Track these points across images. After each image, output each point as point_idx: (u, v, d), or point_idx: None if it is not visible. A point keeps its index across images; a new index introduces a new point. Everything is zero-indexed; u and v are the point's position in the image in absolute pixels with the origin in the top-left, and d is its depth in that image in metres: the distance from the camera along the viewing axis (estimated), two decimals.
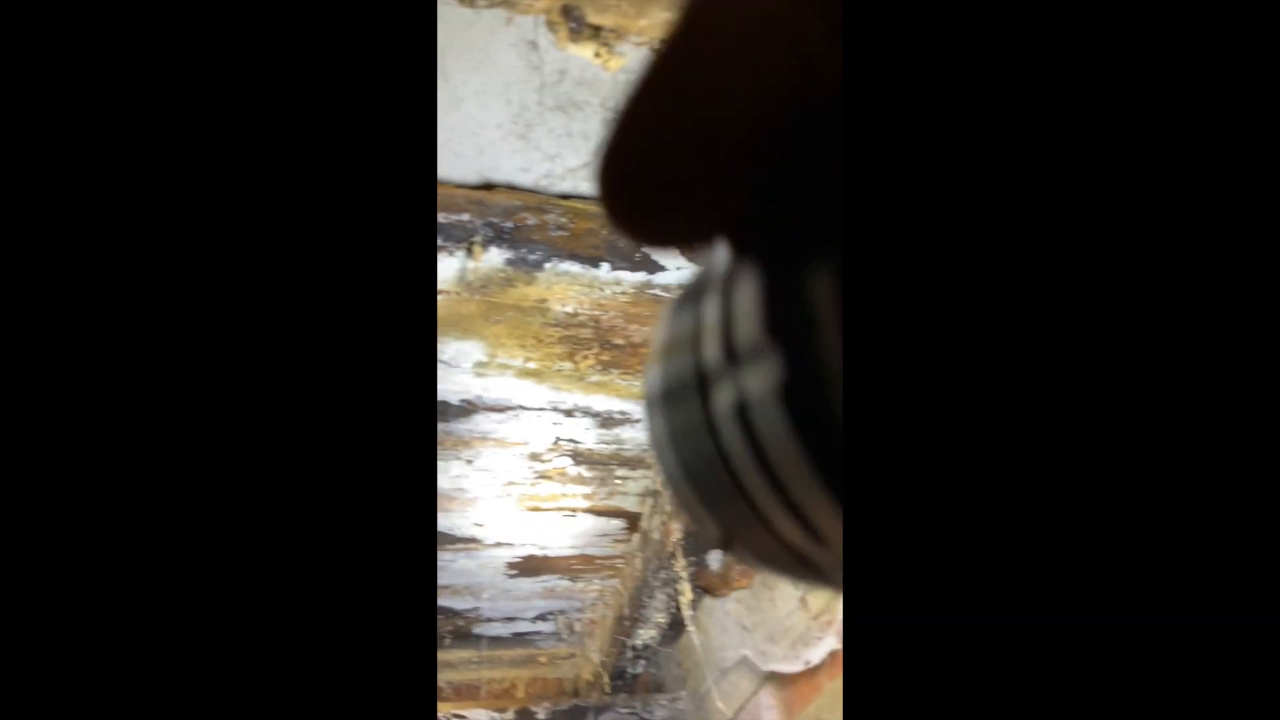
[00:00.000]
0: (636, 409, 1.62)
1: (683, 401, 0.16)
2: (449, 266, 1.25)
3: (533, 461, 1.74)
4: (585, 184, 1.24)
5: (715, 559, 2.05)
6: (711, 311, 0.15)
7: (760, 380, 0.13)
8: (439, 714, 2.34)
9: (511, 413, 1.58)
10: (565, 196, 1.22)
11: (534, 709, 2.41)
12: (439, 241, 1.21)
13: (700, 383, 0.15)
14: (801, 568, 0.15)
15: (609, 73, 1.12)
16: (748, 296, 0.13)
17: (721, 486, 0.15)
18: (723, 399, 0.14)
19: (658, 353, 0.19)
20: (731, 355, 0.14)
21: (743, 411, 0.13)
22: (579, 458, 1.75)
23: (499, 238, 1.21)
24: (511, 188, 1.21)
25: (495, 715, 2.36)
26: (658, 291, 1.36)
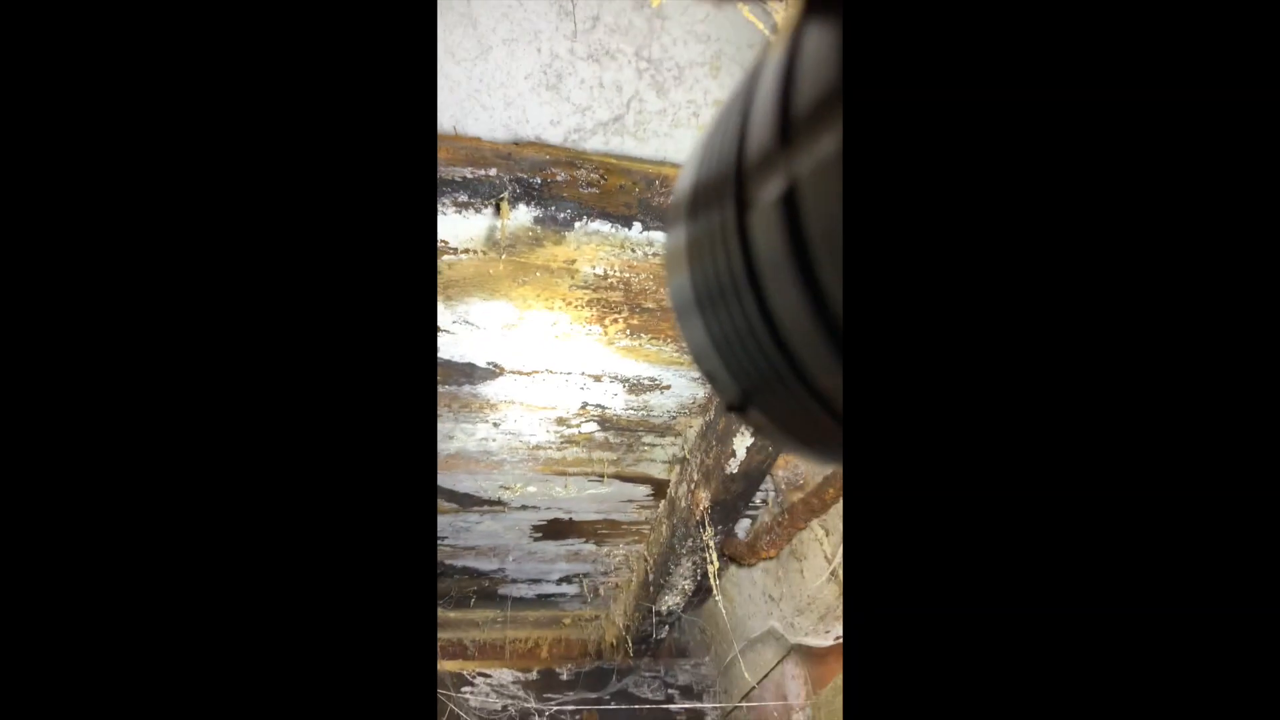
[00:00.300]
0: (666, 375, 1.58)
1: (710, 243, 0.15)
2: (476, 225, 1.20)
3: (559, 426, 1.71)
4: (618, 138, 1.18)
5: (743, 529, 2.03)
6: (768, 85, 0.13)
7: (819, 149, 0.12)
8: (465, 673, 2.37)
9: (539, 376, 1.55)
10: (596, 152, 1.17)
11: (557, 669, 2.43)
12: (465, 199, 1.16)
13: (737, 193, 0.14)
14: (821, 424, 0.14)
15: (653, 4, 1.05)
16: (823, 44, 0.12)
17: (749, 336, 0.14)
18: (767, 197, 0.13)
19: (682, 202, 0.17)
20: (786, 133, 0.12)
21: (791, 201, 0.12)
22: (606, 423, 1.72)
23: (527, 195, 1.16)
24: (540, 142, 1.16)
25: (519, 675, 2.39)
26: None
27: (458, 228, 1.21)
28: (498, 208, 1.13)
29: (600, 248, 1.26)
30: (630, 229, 1.23)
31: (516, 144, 1.13)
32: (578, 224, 1.21)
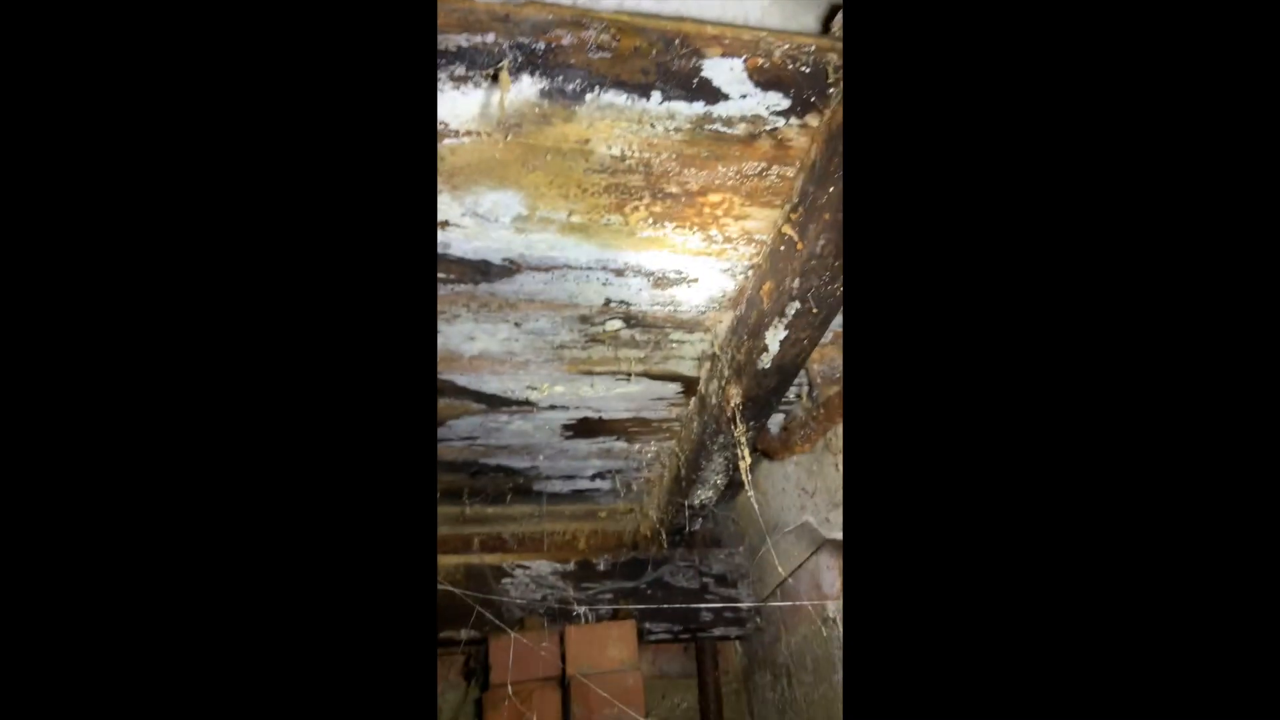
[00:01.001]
0: (693, 266, 1.48)
1: None
2: (472, 101, 1.08)
3: (583, 324, 1.64)
4: None
5: (776, 424, 1.98)
6: None
7: None
8: (504, 565, 2.43)
9: (558, 272, 1.46)
10: (608, 10, 1.02)
11: (594, 560, 2.49)
12: (462, 71, 1.04)
13: None
14: None
15: None
16: None
17: None
18: None
19: None
20: None
21: None
22: (631, 320, 1.64)
23: (530, 63, 1.03)
24: (542, 1, 1.01)
25: (558, 566, 2.45)
26: (718, 126, 1.16)
27: (457, 105, 1.09)
28: (496, 78, 1.01)
29: (616, 124, 1.14)
30: (648, 100, 1.10)
31: (515, 5, 0.99)
32: (589, 96, 1.08)
